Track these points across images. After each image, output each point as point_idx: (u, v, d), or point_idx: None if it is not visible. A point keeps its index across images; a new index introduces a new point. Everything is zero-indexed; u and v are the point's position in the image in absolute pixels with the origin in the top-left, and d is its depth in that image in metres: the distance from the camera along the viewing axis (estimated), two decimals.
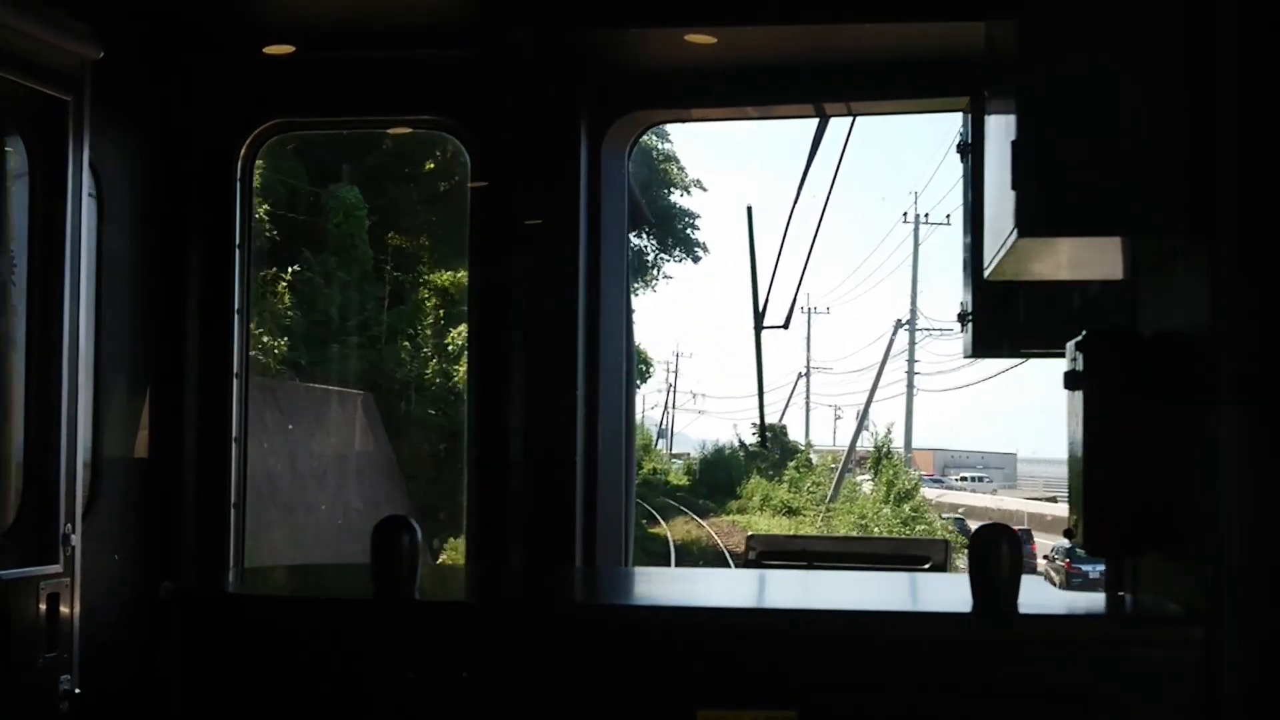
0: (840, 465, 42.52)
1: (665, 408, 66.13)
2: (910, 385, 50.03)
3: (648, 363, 40.87)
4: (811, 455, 46.94)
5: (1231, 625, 3.20)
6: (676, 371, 67.21)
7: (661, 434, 61.28)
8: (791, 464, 44.28)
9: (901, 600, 3.96)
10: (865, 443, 43.43)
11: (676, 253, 38.11)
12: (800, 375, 57.98)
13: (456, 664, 3.44)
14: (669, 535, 33.65)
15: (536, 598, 4.10)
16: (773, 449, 43.47)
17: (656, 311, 65.06)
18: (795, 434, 50.49)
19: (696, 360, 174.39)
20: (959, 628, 3.39)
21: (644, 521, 33.67)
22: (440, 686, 3.43)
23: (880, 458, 39.80)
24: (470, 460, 5.55)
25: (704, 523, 37.81)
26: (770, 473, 43.96)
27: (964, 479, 63.70)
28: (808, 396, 59.20)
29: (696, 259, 38.57)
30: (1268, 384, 3.23)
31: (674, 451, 59.22)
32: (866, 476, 41.34)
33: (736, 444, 49.56)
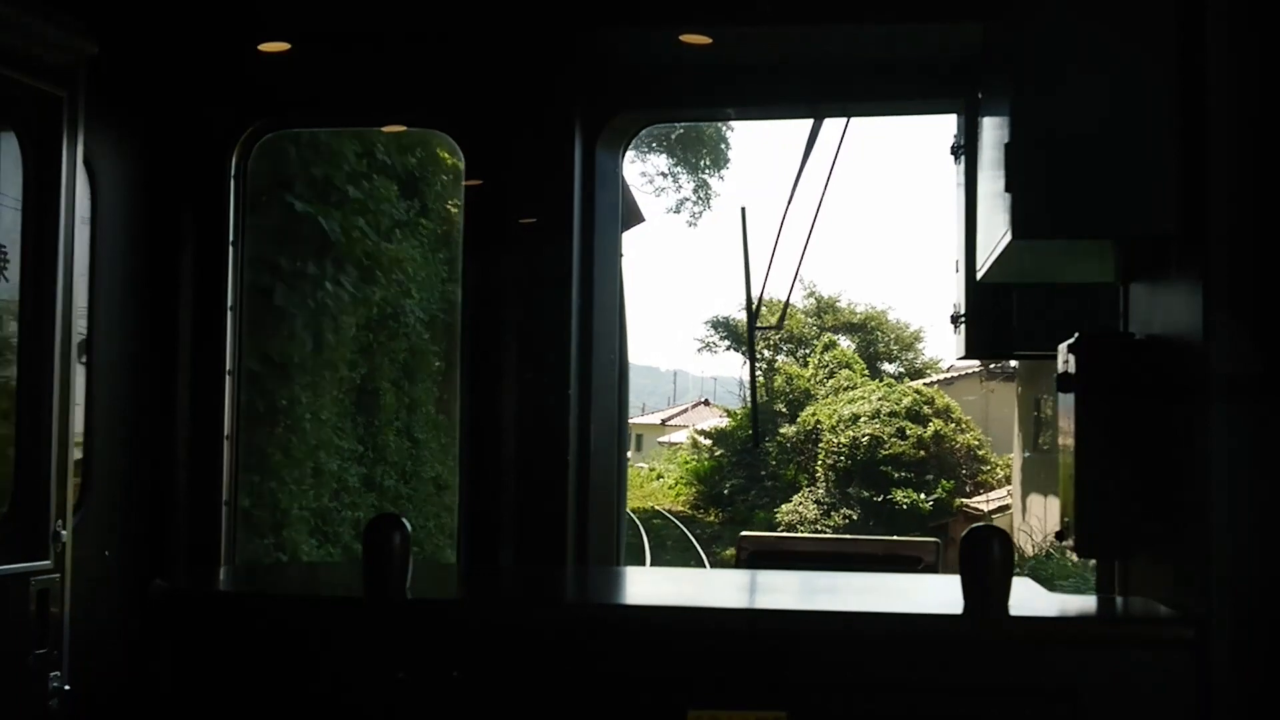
0: None
1: None
2: None
3: None
4: None
5: (1223, 627, 3.21)
6: None
7: None
8: None
9: (893, 601, 3.97)
10: None
11: None
12: None
13: (448, 663, 3.44)
14: None
15: (528, 597, 4.09)
16: None
17: None
18: None
19: None
20: (950, 628, 3.39)
21: None
22: (431, 686, 3.43)
23: None
24: (462, 458, 5.54)
25: None
26: None
27: None
28: None
29: None
30: (1259, 386, 3.24)
31: None
32: None
33: None
